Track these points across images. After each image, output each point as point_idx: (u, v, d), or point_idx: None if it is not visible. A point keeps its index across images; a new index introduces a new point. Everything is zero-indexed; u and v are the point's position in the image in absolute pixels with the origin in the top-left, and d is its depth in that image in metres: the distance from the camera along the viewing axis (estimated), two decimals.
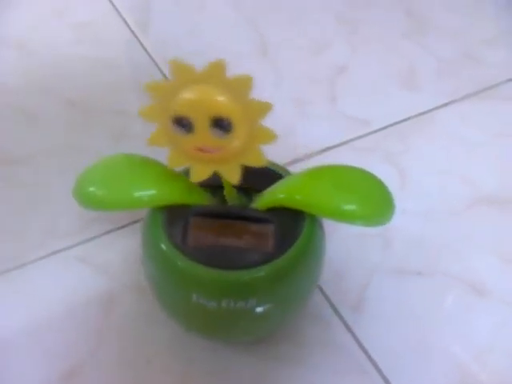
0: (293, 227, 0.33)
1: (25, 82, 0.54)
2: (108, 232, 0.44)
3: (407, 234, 0.44)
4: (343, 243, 0.43)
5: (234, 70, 0.57)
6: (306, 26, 0.61)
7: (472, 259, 0.43)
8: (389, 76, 0.56)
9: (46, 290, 0.41)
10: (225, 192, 0.34)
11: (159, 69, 0.56)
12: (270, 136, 0.29)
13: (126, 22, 0.61)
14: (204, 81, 0.28)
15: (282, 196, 0.33)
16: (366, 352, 0.38)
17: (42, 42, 0.57)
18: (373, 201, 0.33)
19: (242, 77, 0.28)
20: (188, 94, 0.28)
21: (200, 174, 0.31)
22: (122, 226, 0.45)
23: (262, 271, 0.31)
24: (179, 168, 0.33)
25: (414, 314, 0.40)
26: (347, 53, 0.58)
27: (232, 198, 0.34)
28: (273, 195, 0.33)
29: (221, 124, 0.28)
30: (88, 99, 0.53)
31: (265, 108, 0.28)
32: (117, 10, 0.62)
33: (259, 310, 0.32)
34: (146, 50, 0.58)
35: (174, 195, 0.34)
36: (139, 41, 0.59)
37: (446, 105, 0.53)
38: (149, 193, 0.33)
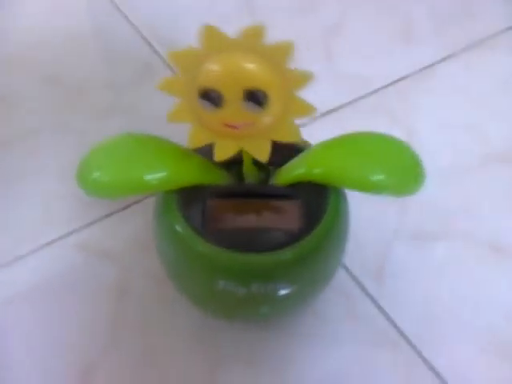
0: (317, 202, 0.31)
1: None
2: (108, 215, 0.42)
3: (421, 196, 0.42)
4: (358, 212, 0.41)
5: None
6: None
7: (489, 218, 0.41)
8: (384, 32, 0.53)
9: (49, 283, 0.38)
10: (244, 169, 0.31)
11: (141, 35, 0.53)
12: (307, 108, 0.26)
13: None
14: (237, 49, 0.25)
15: (304, 170, 0.31)
16: (392, 322, 0.36)
17: (11, 14, 0.53)
18: (401, 169, 0.31)
19: (282, 44, 0.25)
20: (219, 64, 0.25)
21: (225, 151, 0.29)
22: (123, 208, 0.42)
23: (293, 251, 0.29)
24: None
25: (436, 279, 0.38)
26: (338, 10, 0.55)
27: (251, 174, 0.32)
28: (294, 169, 0.31)
29: (255, 97, 0.25)
30: (68, 74, 0.49)
31: (305, 78, 0.26)
32: None
33: (289, 290, 0.31)
34: (125, 16, 0.54)
35: (188, 176, 0.31)
36: (117, 7, 0.55)
37: (446, 58, 0.51)
38: (160, 175, 0.31)
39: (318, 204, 0.31)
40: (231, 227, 0.31)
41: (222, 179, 0.32)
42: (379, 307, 0.37)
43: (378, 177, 0.30)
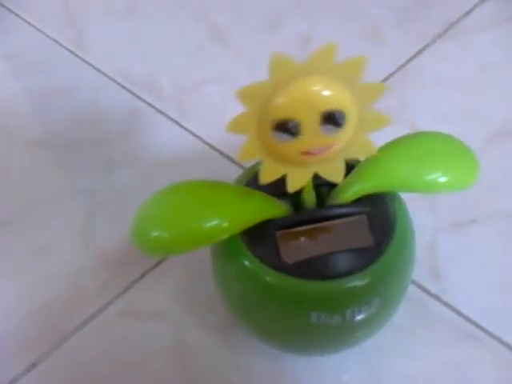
0: (379, 211, 0.30)
1: None
2: (142, 276, 0.39)
3: None
4: None
5: (197, 63, 0.52)
6: (252, 5, 0.57)
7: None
8: (356, 37, 0.54)
9: (103, 360, 0.35)
10: (304, 194, 0.30)
11: (113, 80, 0.50)
12: (383, 120, 0.26)
13: (58, 42, 0.54)
14: (308, 73, 0.24)
15: (371, 183, 0.30)
16: (465, 316, 0.36)
17: None
18: (463, 165, 0.31)
19: (353, 59, 0.24)
20: (293, 92, 0.24)
21: (298, 181, 0.27)
22: (156, 265, 0.39)
23: (380, 266, 0.28)
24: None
25: (487, 259, 0.39)
26: (305, 22, 0.56)
27: (311, 199, 0.31)
28: (356, 184, 0.30)
29: (334, 118, 0.24)
30: (54, 135, 0.46)
31: (379, 90, 0.25)
32: (42, 32, 0.54)
33: (380, 308, 0.30)
34: (91, 65, 0.52)
35: (250, 216, 0.29)
36: (80, 57, 0.53)
37: (421, 51, 0.52)
38: (222, 222, 0.28)
39: (382, 213, 0.30)
40: (308, 256, 0.29)
41: (282, 210, 0.30)
42: (446, 304, 0.37)
43: (443, 176, 0.30)
